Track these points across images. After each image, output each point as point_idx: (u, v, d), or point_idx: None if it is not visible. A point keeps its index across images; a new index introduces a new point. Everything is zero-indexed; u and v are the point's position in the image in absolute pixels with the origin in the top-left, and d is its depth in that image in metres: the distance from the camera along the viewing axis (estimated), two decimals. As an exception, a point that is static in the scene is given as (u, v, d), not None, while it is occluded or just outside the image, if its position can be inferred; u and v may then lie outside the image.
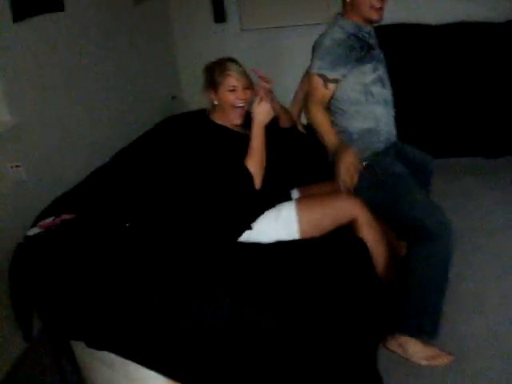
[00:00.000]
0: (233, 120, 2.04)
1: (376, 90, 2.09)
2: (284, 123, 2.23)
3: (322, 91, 2.06)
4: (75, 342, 1.74)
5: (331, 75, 2.03)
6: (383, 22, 2.11)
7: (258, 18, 4.28)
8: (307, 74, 2.23)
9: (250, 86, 2.03)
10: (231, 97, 2.00)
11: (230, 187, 1.97)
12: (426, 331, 1.90)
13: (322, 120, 2.09)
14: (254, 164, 1.93)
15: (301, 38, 4.21)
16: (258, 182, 1.93)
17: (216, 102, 2.06)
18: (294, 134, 2.34)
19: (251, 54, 4.14)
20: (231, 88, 2.00)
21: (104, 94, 3.00)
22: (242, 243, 1.97)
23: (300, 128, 2.44)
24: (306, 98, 2.16)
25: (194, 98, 4.29)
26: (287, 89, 2.53)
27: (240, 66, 2.05)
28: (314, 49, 2.14)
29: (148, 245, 1.83)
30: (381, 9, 2.01)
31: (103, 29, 3.01)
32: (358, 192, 2.00)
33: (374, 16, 2.02)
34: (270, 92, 1.99)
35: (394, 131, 2.20)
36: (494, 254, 2.54)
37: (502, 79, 3.53)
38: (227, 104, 2.02)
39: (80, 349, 1.72)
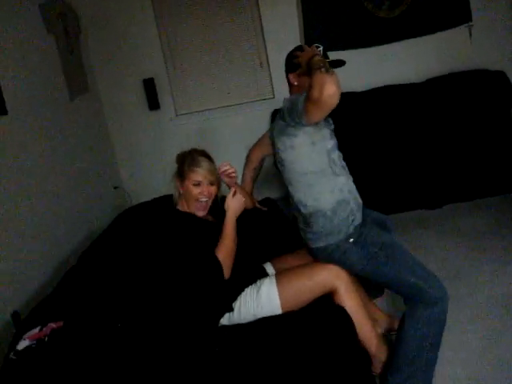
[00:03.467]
0: (195, 212, 2.08)
1: (335, 156, 2.03)
2: (247, 205, 2.27)
3: None
4: None
5: None
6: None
7: (191, 102, 4.41)
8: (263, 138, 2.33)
9: (214, 182, 2.09)
10: (195, 191, 2.05)
11: (199, 276, 1.96)
12: None
13: None
14: (225, 253, 1.95)
15: (233, 116, 4.39)
16: (226, 272, 1.94)
17: (181, 191, 2.10)
18: (257, 213, 2.41)
19: (188, 136, 4.26)
20: (196, 182, 2.05)
21: (47, 188, 2.92)
22: (224, 327, 1.94)
23: (258, 205, 2.50)
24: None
25: (135, 187, 4.33)
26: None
27: (211, 160, 2.11)
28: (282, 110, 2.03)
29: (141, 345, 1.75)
30: None
31: (43, 126, 3.01)
32: (352, 270, 2.01)
33: None
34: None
35: (359, 198, 2.11)
36: (460, 300, 2.56)
37: (430, 133, 3.79)
38: (190, 196, 2.06)
39: None
